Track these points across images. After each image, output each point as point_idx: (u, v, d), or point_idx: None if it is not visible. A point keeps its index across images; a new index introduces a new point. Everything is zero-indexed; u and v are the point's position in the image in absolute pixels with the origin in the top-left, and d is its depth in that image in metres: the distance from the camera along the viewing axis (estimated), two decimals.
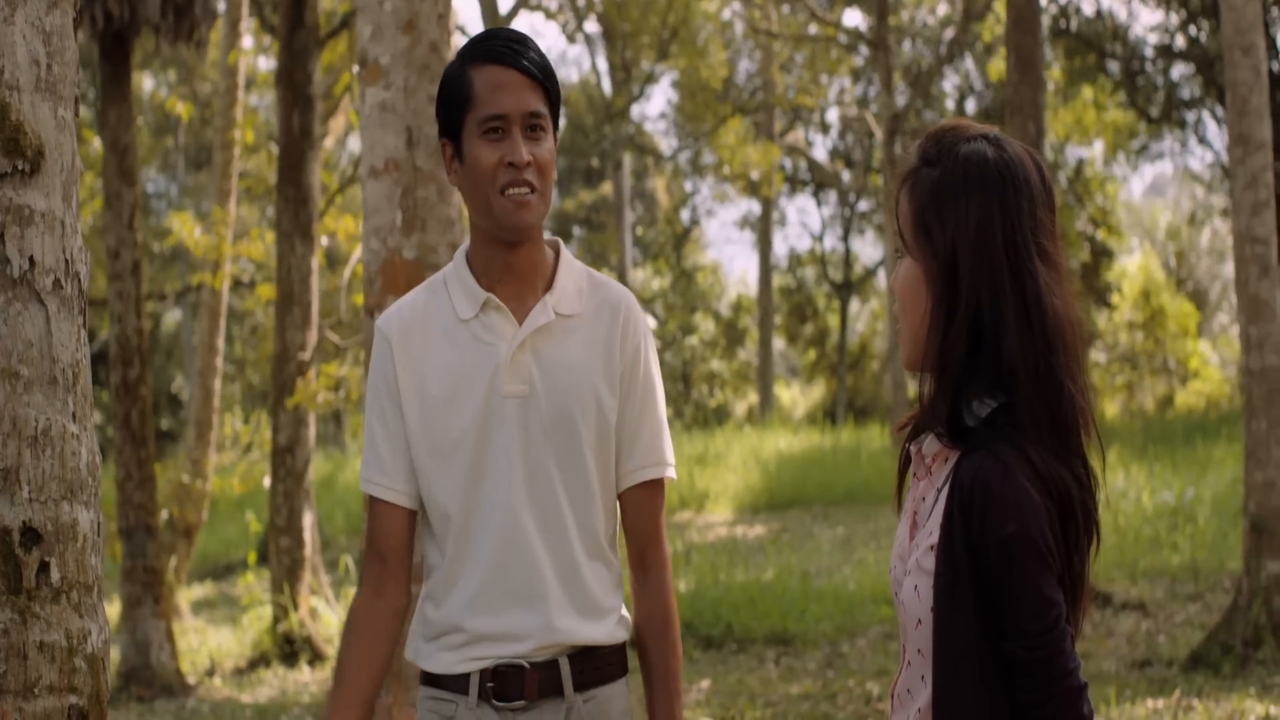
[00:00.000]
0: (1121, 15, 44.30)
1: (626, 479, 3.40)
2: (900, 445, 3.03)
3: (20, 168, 2.75)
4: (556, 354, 3.33)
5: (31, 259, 2.76)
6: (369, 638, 3.39)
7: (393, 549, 3.39)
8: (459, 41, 9.37)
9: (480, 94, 3.26)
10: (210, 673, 14.26)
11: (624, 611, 3.42)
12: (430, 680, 3.38)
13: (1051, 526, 2.71)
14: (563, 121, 3.44)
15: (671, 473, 3.46)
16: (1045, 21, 27.75)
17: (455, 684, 3.32)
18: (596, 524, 3.35)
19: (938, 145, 2.85)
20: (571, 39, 39.67)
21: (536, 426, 3.30)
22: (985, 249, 2.76)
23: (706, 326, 47.87)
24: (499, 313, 3.33)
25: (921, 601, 2.78)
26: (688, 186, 51.19)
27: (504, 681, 3.28)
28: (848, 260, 45.23)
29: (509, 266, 3.35)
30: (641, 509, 3.43)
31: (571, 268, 3.42)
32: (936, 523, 2.78)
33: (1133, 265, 40.33)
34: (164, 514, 16.21)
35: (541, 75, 3.28)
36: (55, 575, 2.74)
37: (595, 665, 3.33)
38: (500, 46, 3.28)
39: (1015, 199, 2.79)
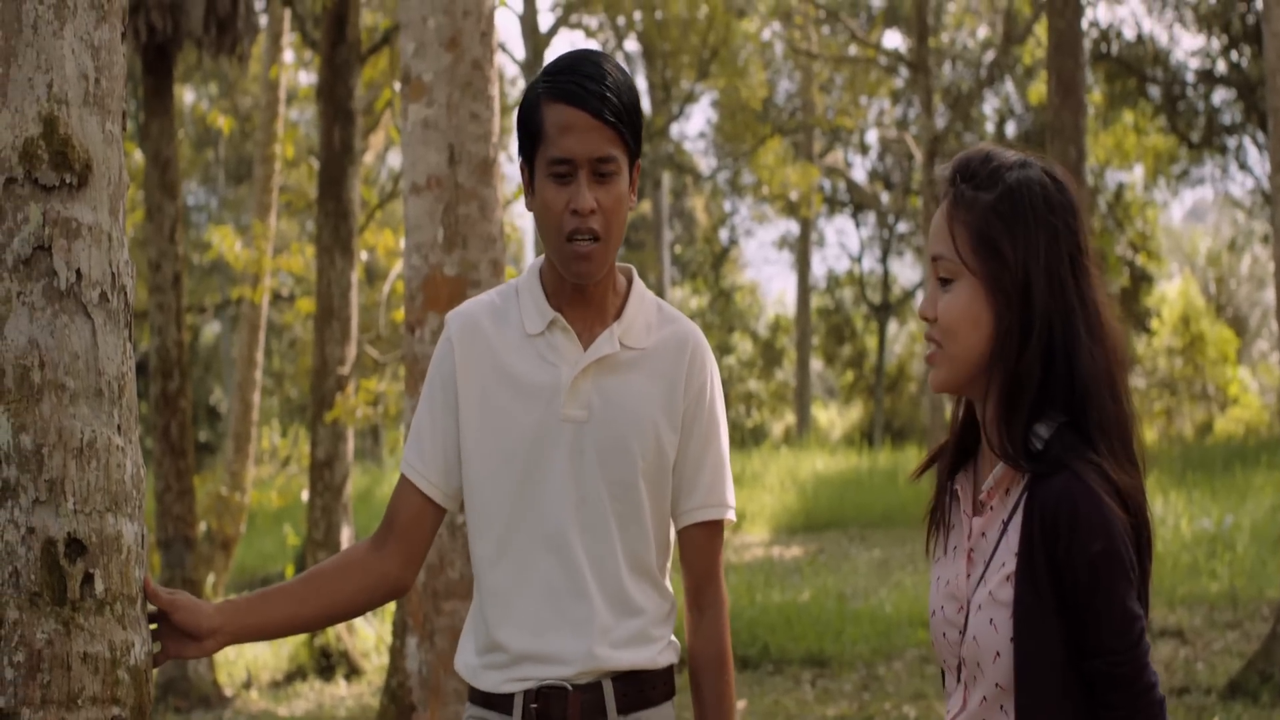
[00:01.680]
0: (1163, 40, 44.36)
1: (685, 518, 3.37)
2: (940, 482, 3.02)
3: (68, 181, 2.77)
4: (619, 384, 3.30)
5: (79, 272, 2.78)
6: (343, 566, 3.35)
7: (404, 523, 3.37)
8: (501, 60, 9.39)
9: (550, 133, 3.19)
10: (247, 685, 14.28)
11: (673, 638, 3.39)
12: (478, 699, 3.36)
13: (1130, 541, 2.74)
14: None
15: (731, 514, 3.42)
16: (1086, 45, 27.69)
17: (500, 703, 3.30)
18: (647, 554, 3.32)
19: (985, 168, 2.86)
20: None
21: (591, 452, 3.26)
22: (1054, 269, 2.80)
23: (744, 346, 47.89)
24: (565, 334, 3.30)
25: (999, 634, 2.78)
26: (726, 206, 51.17)
27: (547, 703, 3.25)
28: (886, 282, 45.20)
29: (579, 291, 3.32)
30: (699, 548, 3.39)
31: (643, 300, 3.38)
32: (1010, 552, 2.79)
33: (1172, 291, 40.22)
34: (202, 526, 16.25)
35: (615, 117, 3.19)
36: (99, 587, 2.75)
37: (640, 688, 3.31)
38: (574, 85, 3.18)
39: (1074, 220, 2.85)
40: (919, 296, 44.72)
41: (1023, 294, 2.78)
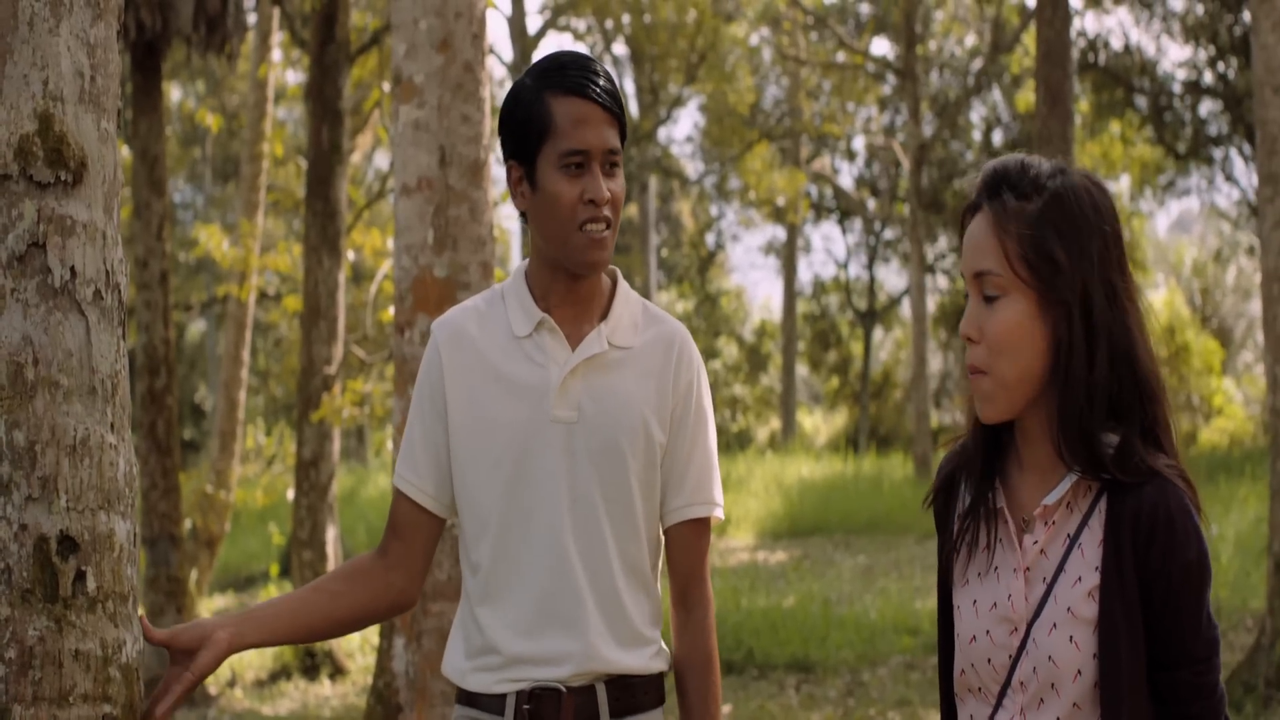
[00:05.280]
0: (1150, 50, 44.40)
1: (672, 516, 3.36)
2: (973, 501, 2.93)
3: (63, 178, 2.77)
4: (607, 383, 3.30)
5: (73, 269, 2.77)
6: (350, 575, 3.36)
7: (404, 534, 3.39)
8: (491, 63, 9.39)
9: (562, 126, 3.20)
10: (231, 684, 14.26)
11: (662, 644, 3.39)
12: (467, 699, 3.35)
13: None
14: None
15: (719, 512, 3.40)
16: (1074, 55, 27.73)
17: (491, 704, 3.29)
18: (638, 554, 3.32)
19: (1024, 176, 2.79)
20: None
21: (583, 453, 3.26)
22: (1108, 276, 2.76)
23: (730, 351, 47.90)
24: (553, 335, 3.30)
25: (1081, 652, 2.74)
26: (713, 211, 51.20)
27: (540, 704, 3.25)
28: (872, 288, 45.22)
29: (569, 292, 3.32)
30: (686, 547, 3.38)
31: (628, 300, 3.39)
32: (1088, 567, 2.76)
33: (1158, 301, 40.21)
34: (187, 524, 16.24)
35: (618, 109, 3.25)
36: (91, 584, 2.75)
37: (631, 693, 3.30)
38: (580, 78, 3.22)
39: (1118, 224, 2.80)
40: (905, 303, 44.74)
41: (1082, 304, 2.73)
